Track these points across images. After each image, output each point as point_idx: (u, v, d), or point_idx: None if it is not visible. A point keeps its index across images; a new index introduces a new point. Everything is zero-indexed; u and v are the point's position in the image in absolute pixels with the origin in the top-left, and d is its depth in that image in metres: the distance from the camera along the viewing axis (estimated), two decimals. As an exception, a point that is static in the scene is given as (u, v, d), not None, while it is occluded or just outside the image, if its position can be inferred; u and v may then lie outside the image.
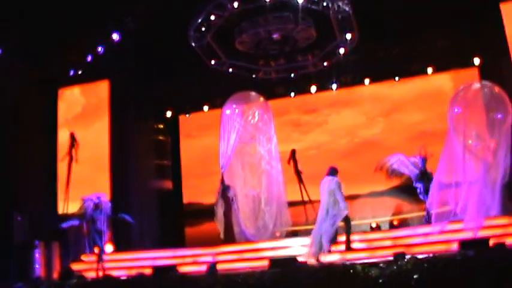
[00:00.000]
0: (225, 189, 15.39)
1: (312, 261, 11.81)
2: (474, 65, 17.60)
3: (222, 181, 15.50)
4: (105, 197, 14.16)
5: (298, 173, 18.08)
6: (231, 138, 15.46)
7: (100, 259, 13.47)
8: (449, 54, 17.46)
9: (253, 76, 18.80)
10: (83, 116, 18.90)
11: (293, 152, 18.25)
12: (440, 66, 18.27)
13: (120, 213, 13.89)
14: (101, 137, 18.39)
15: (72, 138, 17.52)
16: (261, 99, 16.14)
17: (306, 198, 17.86)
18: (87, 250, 13.95)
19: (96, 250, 13.57)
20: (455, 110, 13.42)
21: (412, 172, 14.45)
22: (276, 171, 15.67)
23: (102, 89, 18.92)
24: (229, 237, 15.04)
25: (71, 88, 19.18)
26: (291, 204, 16.73)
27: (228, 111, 15.82)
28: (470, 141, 12.98)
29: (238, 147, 15.64)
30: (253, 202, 15.54)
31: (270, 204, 15.41)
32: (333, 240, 12.29)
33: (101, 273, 13.17)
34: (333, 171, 12.84)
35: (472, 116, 13.00)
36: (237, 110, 15.80)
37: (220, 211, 15.33)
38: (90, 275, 13.35)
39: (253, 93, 16.04)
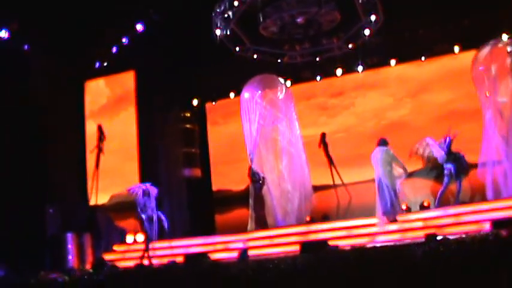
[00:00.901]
0: (253, 175, 15.37)
1: (383, 227, 12.75)
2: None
3: (251, 167, 15.49)
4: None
5: (329, 157, 18.00)
6: (253, 121, 15.47)
7: (147, 247, 13.59)
8: (476, 32, 17.13)
9: (279, 61, 18.71)
10: (109, 108, 19.06)
11: (323, 135, 18.20)
12: (467, 45, 17.93)
13: (160, 211, 13.97)
14: (127, 127, 18.52)
15: (100, 130, 17.60)
16: (281, 81, 16.13)
17: (338, 182, 17.80)
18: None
19: (143, 237, 13.68)
20: (480, 67, 13.41)
21: (439, 154, 14.37)
22: (299, 154, 15.64)
23: (127, 79, 19.01)
24: (261, 224, 15.05)
25: (96, 80, 19.34)
26: (322, 188, 16.69)
27: (247, 95, 15.81)
28: (498, 99, 13.01)
29: (261, 130, 15.64)
30: (280, 186, 15.55)
31: (294, 187, 15.39)
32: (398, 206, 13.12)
33: (146, 262, 13.28)
34: (383, 142, 13.15)
35: (496, 73, 12.98)
36: (258, 93, 15.80)
37: (251, 200, 15.36)
38: (123, 264, 13.46)
39: (272, 76, 16.02)
